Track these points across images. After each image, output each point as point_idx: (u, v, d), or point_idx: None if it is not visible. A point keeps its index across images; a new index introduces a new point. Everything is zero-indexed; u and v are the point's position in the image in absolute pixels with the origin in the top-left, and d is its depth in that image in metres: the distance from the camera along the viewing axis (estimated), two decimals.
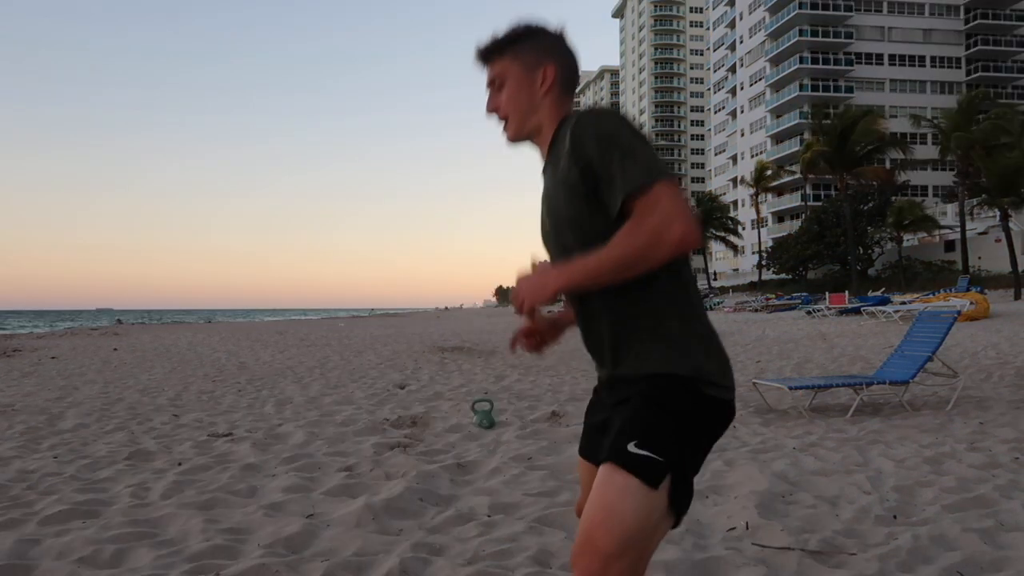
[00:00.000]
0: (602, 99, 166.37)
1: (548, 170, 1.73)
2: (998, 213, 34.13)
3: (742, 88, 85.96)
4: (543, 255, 1.80)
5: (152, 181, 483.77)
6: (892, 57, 74.79)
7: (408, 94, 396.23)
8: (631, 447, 1.50)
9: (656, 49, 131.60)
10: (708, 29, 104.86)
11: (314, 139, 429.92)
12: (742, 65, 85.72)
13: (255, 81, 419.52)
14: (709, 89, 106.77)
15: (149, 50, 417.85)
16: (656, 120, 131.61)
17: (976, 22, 73.60)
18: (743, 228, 73.95)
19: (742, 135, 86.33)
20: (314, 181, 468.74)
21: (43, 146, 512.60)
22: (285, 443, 5.57)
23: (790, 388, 6.61)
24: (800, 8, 73.31)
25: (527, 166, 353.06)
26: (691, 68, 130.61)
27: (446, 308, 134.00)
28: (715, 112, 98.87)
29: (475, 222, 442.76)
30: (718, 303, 43.58)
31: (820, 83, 73.56)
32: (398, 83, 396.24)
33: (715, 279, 76.66)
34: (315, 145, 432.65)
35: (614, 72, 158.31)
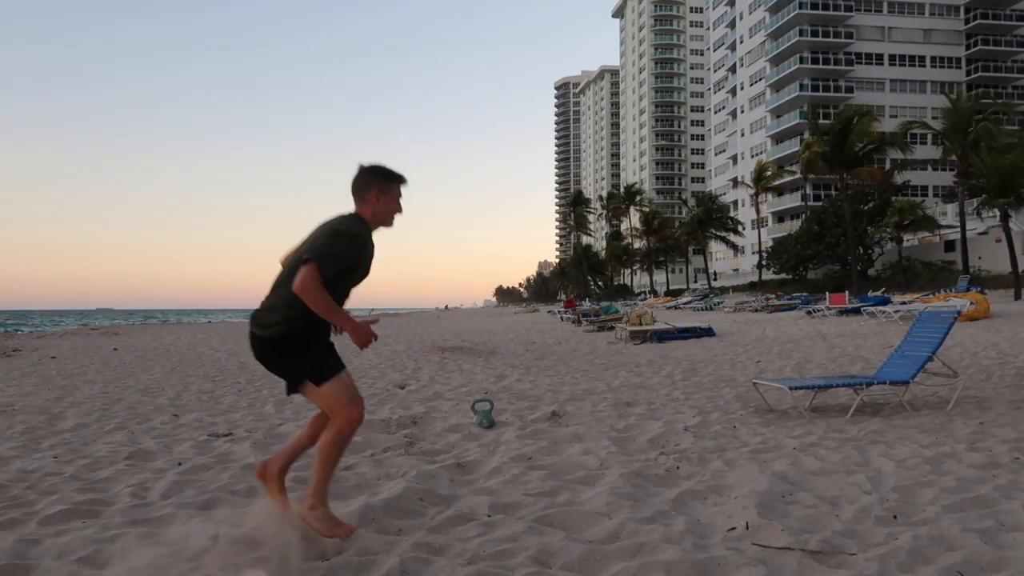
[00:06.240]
0: (602, 99, 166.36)
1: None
2: (998, 213, 34.11)
3: (742, 88, 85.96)
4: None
5: (153, 181, 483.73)
6: (892, 57, 74.80)
7: (407, 93, 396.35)
8: None
9: (656, 49, 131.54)
10: (708, 29, 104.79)
11: (313, 139, 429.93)
12: (742, 65, 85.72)
13: (259, 79, 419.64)
14: (709, 89, 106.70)
15: (144, 47, 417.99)
16: (656, 120, 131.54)
17: (976, 22, 73.62)
18: (743, 228, 73.97)
19: (742, 135, 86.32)
20: (313, 181, 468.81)
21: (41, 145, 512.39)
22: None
23: (790, 388, 6.61)
24: (800, 8, 73.32)
25: (526, 167, 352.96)
26: (691, 68, 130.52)
27: (447, 307, 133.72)
28: (715, 112, 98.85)
29: (475, 222, 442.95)
30: (718, 303, 43.45)
31: (820, 83, 73.59)
32: (397, 83, 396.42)
33: (715, 279, 76.62)
34: (314, 146, 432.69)
35: (614, 72, 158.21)
